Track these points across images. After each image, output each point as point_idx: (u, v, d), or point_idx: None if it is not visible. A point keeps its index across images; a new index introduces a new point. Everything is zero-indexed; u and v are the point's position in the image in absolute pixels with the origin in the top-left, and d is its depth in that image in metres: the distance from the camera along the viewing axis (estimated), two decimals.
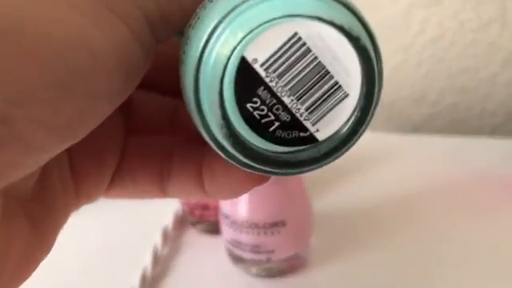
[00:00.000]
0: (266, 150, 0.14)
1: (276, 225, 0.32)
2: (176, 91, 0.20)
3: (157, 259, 0.37)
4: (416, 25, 0.54)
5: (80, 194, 0.18)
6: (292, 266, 0.35)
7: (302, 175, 0.34)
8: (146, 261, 0.36)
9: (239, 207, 0.33)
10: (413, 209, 0.41)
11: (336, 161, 0.15)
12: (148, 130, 0.19)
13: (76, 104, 0.13)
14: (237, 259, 0.35)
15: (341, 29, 0.13)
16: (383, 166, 0.47)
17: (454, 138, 0.53)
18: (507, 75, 0.54)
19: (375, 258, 0.36)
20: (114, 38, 0.13)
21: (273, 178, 0.32)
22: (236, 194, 0.17)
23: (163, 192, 0.18)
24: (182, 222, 0.41)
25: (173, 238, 0.40)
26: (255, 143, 0.14)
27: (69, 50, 0.12)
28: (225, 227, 0.34)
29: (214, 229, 0.38)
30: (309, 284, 0.35)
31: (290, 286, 0.34)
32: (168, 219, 0.40)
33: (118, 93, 0.14)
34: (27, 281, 0.34)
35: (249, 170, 0.15)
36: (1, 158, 0.12)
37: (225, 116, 0.14)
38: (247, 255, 0.34)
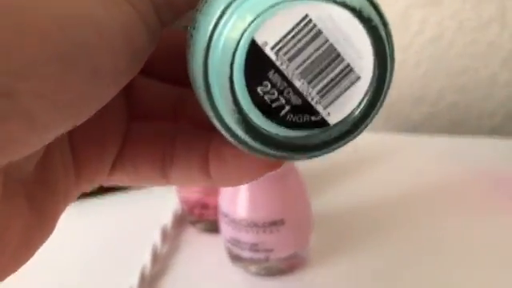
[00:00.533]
0: (278, 134, 0.14)
1: (275, 223, 0.32)
2: (177, 79, 0.19)
3: (156, 258, 0.36)
4: (415, 25, 0.54)
5: (81, 178, 0.17)
6: (291, 265, 0.34)
7: (301, 174, 0.34)
8: (146, 259, 0.36)
9: (238, 206, 0.32)
10: (411, 208, 0.41)
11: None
12: (150, 116, 0.19)
13: (80, 80, 0.12)
14: (236, 258, 0.35)
15: (352, 10, 0.13)
16: (382, 166, 0.47)
17: (451, 137, 0.52)
18: (507, 75, 0.54)
19: (374, 257, 0.36)
20: (120, 17, 0.13)
21: (272, 176, 0.32)
22: (245, 180, 0.17)
23: (165, 178, 0.18)
24: (181, 221, 0.41)
25: (172, 236, 0.39)
26: (266, 128, 0.14)
27: (73, 25, 0.12)
28: (224, 225, 0.34)
29: (213, 228, 0.38)
30: (308, 283, 0.34)
31: (289, 285, 0.34)
32: (167, 218, 0.40)
33: (124, 73, 0.14)
34: (29, 275, 0.33)
35: (260, 156, 0.14)
36: (4, 132, 0.11)
37: (236, 101, 0.13)
38: (246, 254, 0.33)
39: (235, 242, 0.33)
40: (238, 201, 0.33)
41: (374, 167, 0.47)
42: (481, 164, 0.47)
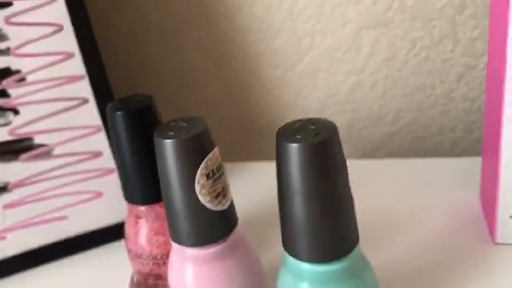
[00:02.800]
0: None
1: None
2: None
3: None
4: (367, 47, 0.53)
5: None
6: None
7: (250, 242, 0.33)
8: None
9: (186, 287, 0.32)
10: (373, 236, 0.41)
11: None
12: None
13: None
14: None
15: None
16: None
17: (411, 160, 0.52)
18: (463, 90, 0.54)
19: None
20: None
21: (218, 254, 0.31)
22: None
23: None
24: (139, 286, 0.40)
25: None
26: None
27: None
28: None
29: None
30: None
31: None
32: (127, 278, 0.39)
33: None
34: None
35: None
36: None
37: None
38: None
39: None
40: (185, 281, 0.32)
41: None
42: (438, 186, 0.47)
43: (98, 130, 0.44)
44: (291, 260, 0.29)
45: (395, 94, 0.55)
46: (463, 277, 0.37)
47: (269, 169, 0.46)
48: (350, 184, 0.48)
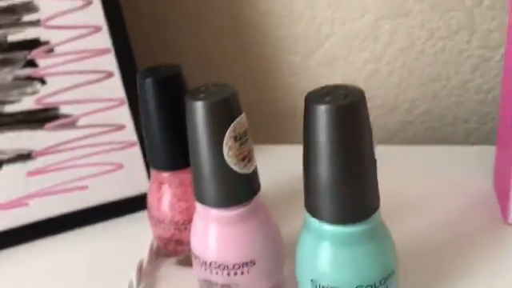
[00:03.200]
0: None
1: (246, 265, 0.33)
2: None
3: None
4: (385, 36, 0.54)
5: None
6: None
7: (270, 210, 0.34)
8: None
9: (208, 248, 0.33)
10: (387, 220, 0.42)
11: None
12: None
13: None
14: None
15: None
16: None
17: (425, 147, 0.53)
18: (478, 81, 0.55)
19: None
20: None
21: (241, 216, 0.32)
22: None
23: None
24: (157, 256, 0.41)
25: (148, 271, 0.40)
26: None
27: None
28: (196, 266, 0.34)
29: (188, 262, 0.38)
30: None
31: None
32: (143, 253, 0.40)
33: None
34: None
35: None
36: None
37: None
38: None
39: (207, 283, 0.34)
40: (208, 243, 0.33)
41: None
42: (455, 172, 0.48)
43: (121, 103, 0.45)
44: (313, 221, 0.30)
45: (411, 84, 0.56)
46: (476, 256, 0.38)
47: (284, 151, 0.47)
48: None
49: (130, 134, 0.46)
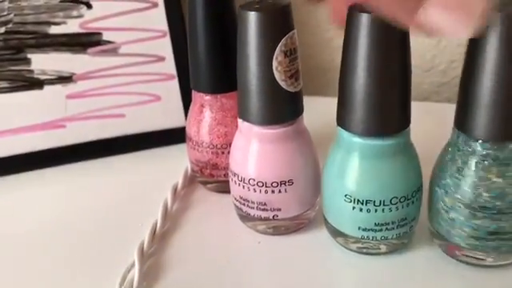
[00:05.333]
0: None
1: (283, 183, 0.33)
2: None
3: (167, 215, 0.37)
4: None
5: None
6: (298, 224, 0.35)
7: (311, 135, 0.34)
8: (156, 217, 0.37)
9: (248, 165, 0.33)
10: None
11: None
12: None
13: None
14: (244, 217, 0.35)
15: None
16: None
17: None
18: None
19: None
20: None
21: (282, 136, 0.32)
22: None
23: None
24: (192, 181, 0.42)
25: (182, 195, 0.40)
26: None
27: None
28: (233, 185, 0.35)
29: (223, 188, 0.39)
30: (314, 242, 0.35)
31: (296, 244, 0.35)
32: (178, 178, 0.41)
33: None
34: (42, 231, 0.35)
35: None
36: None
37: None
38: (254, 212, 0.34)
39: (244, 201, 0.34)
40: (248, 160, 0.33)
41: None
42: None
43: (163, 35, 0.46)
44: (345, 134, 0.30)
45: (449, 44, 0.56)
46: None
47: (315, 105, 0.47)
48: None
49: (169, 66, 0.46)
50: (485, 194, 0.29)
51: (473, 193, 0.29)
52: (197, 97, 0.38)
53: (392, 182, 0.30)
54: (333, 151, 0.32)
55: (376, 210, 0.30)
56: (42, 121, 0.45)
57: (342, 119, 0.30)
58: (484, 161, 0.29)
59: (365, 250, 0.33)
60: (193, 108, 0.39)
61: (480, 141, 0.28)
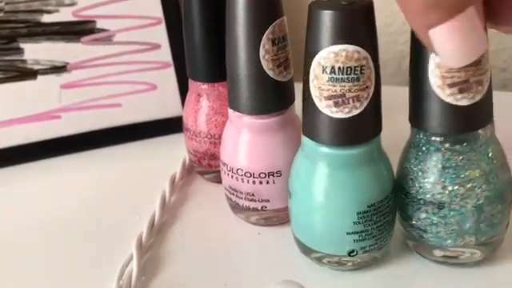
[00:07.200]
0: None
1: (271, 174, 0.32)
2: None
3: (165, 207, 0.37)
4: None
5: None
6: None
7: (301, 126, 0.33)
8: (155, 208, 0.36)
9: (237, 155, 0.33)
10: None
11: None
12: None
13: None
14: (235, 207, 0.35)
15: None
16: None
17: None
18: None
19: None
20: None
21: (272, 126, 0.31)
22: None
23: None
24: (190, 172, 0.41)
25: (180, 186, 0.40)
26: None
27: None
28: (223, 174, 0.34)
29: (219, 180, 0.38)
30: None
31: (290, 235, 0.34)
32: (176, 168, 0.40)
33: None
34: (39, 220, 0.34)
35: None
36: None
37: None
38: (243, 203, 0.34)
39: (233, 191, 0.34)
40: (237, 150, 0.33)
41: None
42: None
43: (158, 22, 0.45)
44: (311, 144, 0.28)
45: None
46: None
47: None
48: (394, 109, 0.48)
49: (165, 54, 0.45)
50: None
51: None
52: (193, 86, 0.37)
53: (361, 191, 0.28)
54: (298, 158, 0.30)
55: None
56: (37, 112, 0.44)
57: (306, 129, 0.29)
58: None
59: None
60: (189, 97, 0.38)
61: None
